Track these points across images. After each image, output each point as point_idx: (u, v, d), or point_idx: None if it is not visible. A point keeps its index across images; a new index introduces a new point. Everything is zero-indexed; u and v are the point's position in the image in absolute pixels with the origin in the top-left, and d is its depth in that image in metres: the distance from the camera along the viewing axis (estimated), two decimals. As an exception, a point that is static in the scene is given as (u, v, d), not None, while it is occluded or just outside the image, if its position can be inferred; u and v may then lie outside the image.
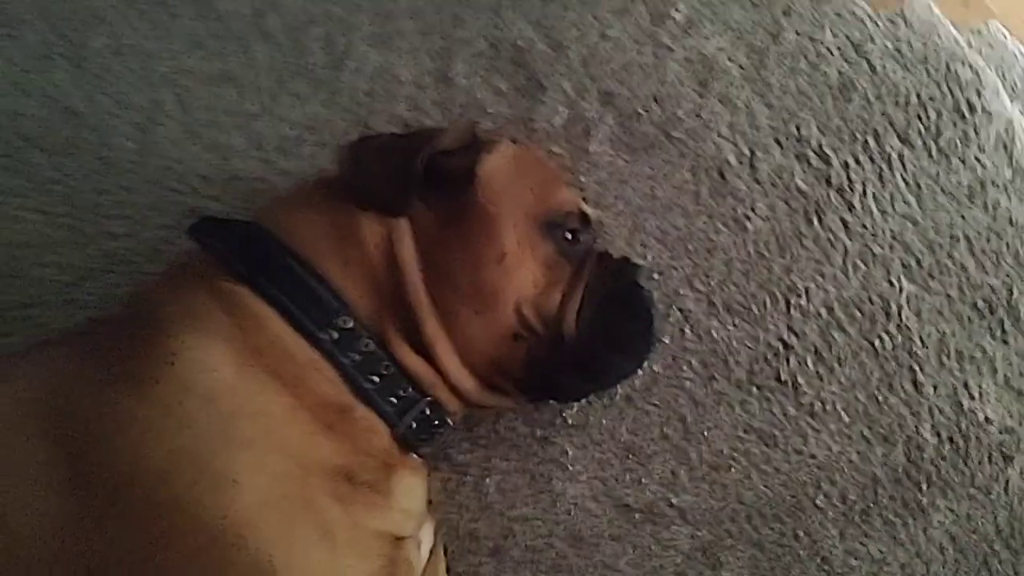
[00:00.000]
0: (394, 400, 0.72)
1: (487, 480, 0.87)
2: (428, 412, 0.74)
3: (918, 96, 0.96)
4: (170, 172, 0.97)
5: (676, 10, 1.02)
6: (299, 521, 0.62)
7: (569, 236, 0.77)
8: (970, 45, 1.00)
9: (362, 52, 1.02)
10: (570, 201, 0.79)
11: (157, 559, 0.59)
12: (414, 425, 0.73)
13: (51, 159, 0.98)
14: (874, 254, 0.91)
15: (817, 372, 0.88)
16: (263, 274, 0.70)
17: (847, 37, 1.00)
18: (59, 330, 0.85)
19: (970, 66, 0.97)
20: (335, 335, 0.70)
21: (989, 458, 0.88)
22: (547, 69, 1.00)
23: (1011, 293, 0.90)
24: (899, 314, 0.88)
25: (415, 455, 0.77)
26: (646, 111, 0.97)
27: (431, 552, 0.82)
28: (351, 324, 0.70)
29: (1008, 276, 0.90)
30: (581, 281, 0.77)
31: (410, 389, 0.73)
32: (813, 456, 0.88)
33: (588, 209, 0.82)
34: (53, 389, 0.64)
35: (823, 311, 0.89)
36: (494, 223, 0.74)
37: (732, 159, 0.95)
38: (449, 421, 0.76)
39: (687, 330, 0.90)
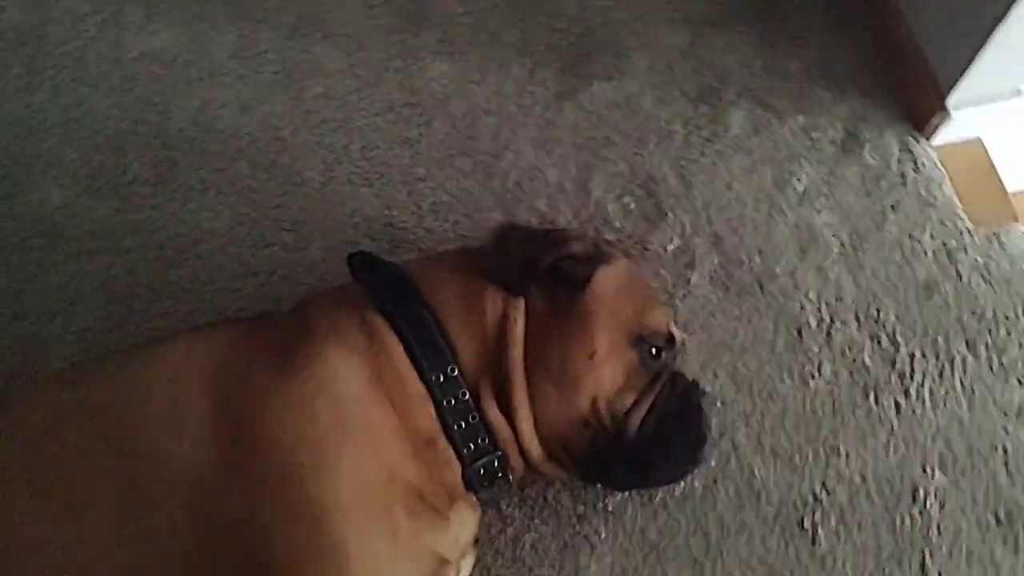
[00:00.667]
0: (472, 446, 0.88)
1: (525, 536, 1.01)
2: (496, 464, 0.89)
3: (994, 312, 1.07)
4: (341, 206, 1.18)
5: (798, 180, 1.17)
6: (376, 517, 0.78)
7: (653, 351, 0.91)
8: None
9: (521, 148, 1.21)
10: (662, 322, 0.93)
11: (264, 515, 0.76)
12: (482, 471, 0.88)
13: (254, 171, 1.21)
14: (916, 440, 1.01)
15: (837, 529, 0.98)
16: (401, 314, 0.87)
17: (943, 243, 1.12)
18: (216, 311, 1.05)
19: (1047, 298, 1.07)
20: (442, 378, 0.86)
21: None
22: (672, 201, 1.16)
23: (1037, 512, 0.98)
24: (924, 500, 0.98)
25: (474, 495, 0.93)
26: (748, 260, 1.12)
27: (464, 580, 0.96)
28: (456, 373, 0.86)
29: (1038, 496, 0.99)
30: (653, 392, 0.91)
31: (487, 440, 0.88)
32: (815, 602, 0.98)
33: (676, 331, 0.96)
34: (222, 360, 0.83)
35: (857, 477, 1.00)
36: (593, 325, 0.89)
37: (812, 322, 1.08)
38: (510, 476, 0.91)
39: (732, 460, 1.02)
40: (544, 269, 0.88)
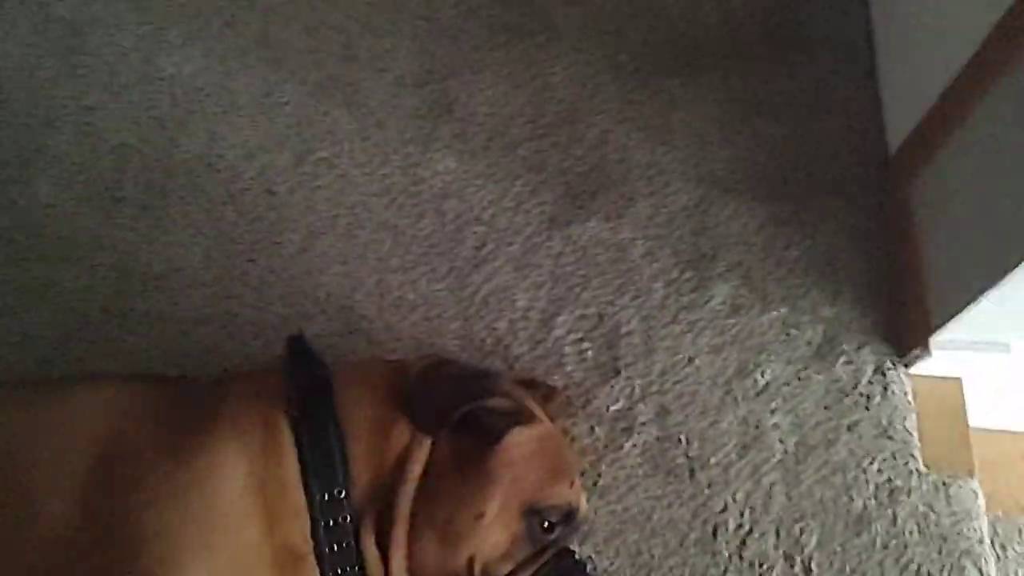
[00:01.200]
0: (339, 571, 0.87)
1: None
2: None
3: (919, 568, 1.03)
4: (309, 277, 1.19)
5: (761, 373, 1.15)
6: None
7: (545, 525, 0.90)
8: (992, 546, 1.07)
9: (500, 265, 1.21)
10: (563, 497, 0.91)
11: None
12: None
13: (238, 219, 1.23)
14: None
15: None
16: (306, 425, 0.87)
17: (889, 479, 1.08)
18: (160, 351, 1.07)
19: (980, 570, 1.03)
20: (327, 498, 0.86)
21: None
22: (629, 360, 1.14)
23: None
24: None
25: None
26: (687, 442, 1.10)
27: None
28: (342, 496, 0.86)
29: None
30: (535, 564, 0.89)
31: (357, 569, 0.88)
32: None
33: (583, 505, 0.94)
34: (117, 424, 0.84)
35: None
36: (490, 486, 0.88)
37: (731, 524, 1.05)
38: None
39: (613, 642, 1.00)
40: (456, 417, 0.88)
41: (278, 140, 1.30)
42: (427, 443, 0.88)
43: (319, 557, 0.86)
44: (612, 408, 1.11)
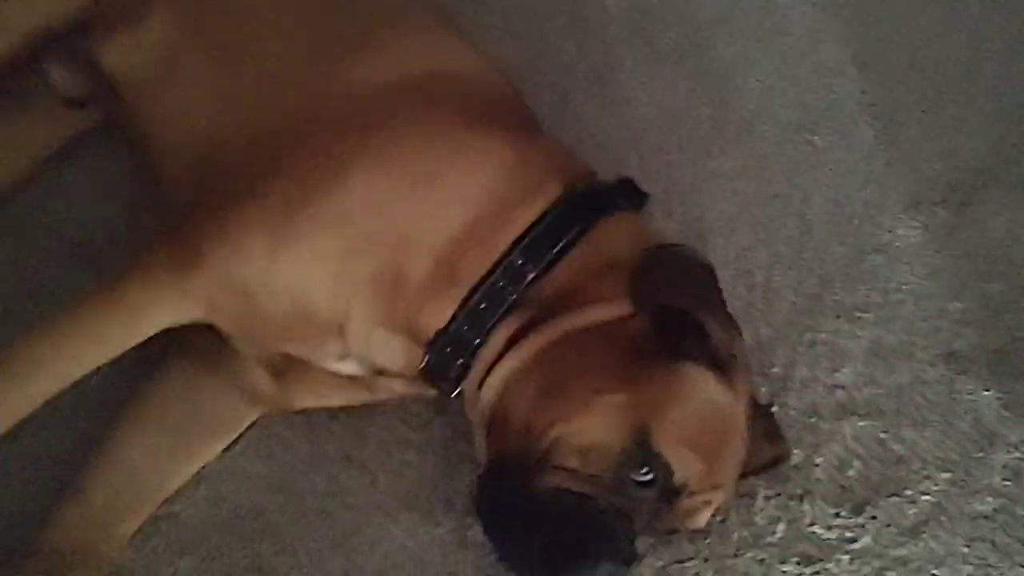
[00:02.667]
0: (465, 328, 0.85)
1: None
2: (455, 362, 0.86)
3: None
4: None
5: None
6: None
7: (641, 473, 0.80)
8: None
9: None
10: (683, 465, 0.80)
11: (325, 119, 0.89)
12: (447, 350, 0.86)
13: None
14: None
15: None
16: (570, 204, 0.88)
17: None
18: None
19: None
20: (515, 264, 0.85)
21: None
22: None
23: None
24: None
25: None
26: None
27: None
28: (529, 279, 0.85)
29: None
30: (595, 490, 0.80)
31: (475, 342, 0.85)
32: None
33: (695, 501, 0.83)
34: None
35: None
36: (631, 380, 0.81)
37: None
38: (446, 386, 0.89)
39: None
40: (675, 313, 0.80)
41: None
42: (625, 308, 0.83)
43: (467, 300, 0.84)
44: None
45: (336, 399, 0.98)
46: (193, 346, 0.96)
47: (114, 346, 0.86)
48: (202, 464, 0.95)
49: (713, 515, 0.88)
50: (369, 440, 1.00)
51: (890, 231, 1.21)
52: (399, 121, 0.89)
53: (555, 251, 0.86)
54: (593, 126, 1.29)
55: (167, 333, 0.87)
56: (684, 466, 0.81)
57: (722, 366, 0.83)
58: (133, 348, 0.87)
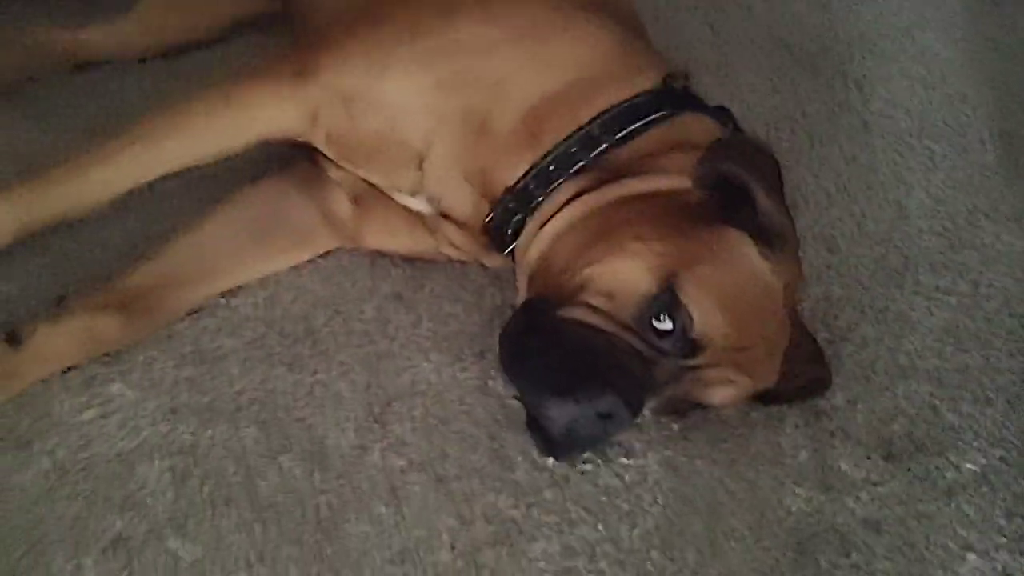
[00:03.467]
0: (531, 186, 0.92)
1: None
2: (515, 217, 0.93)
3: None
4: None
5: None
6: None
7: (664, 320, 0.82)
8: None
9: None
10: (704, 316, 0.81)
11: None
12: (509, 205, 0.93)
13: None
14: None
15: None
16: (664, 90, 0.95)
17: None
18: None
19: None
20: (593, 135, 0.91)
21: None
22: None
23: None
24: None
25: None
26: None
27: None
28: (600, 150, 0.91)
29: None
30: (619, 340, 0.82)
31: (536, 199, 0.92)
32: None
33: (709, 357, 0.82)
34: None
35: None
36: (675, 231, 0.84)
37: None
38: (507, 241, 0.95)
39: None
40: (731, 188, 0.84)
41: None
42: (686, 182, 0.87)
43: (543, 159, 0.91)
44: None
45: (402, 240, 1.05)
46: (290, 168, 1.07)
47: (222, 140, 0.97)
48: (269, 271, 1.04)
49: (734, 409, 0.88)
50: (424, 288, 1.06)
51: (994, 235, 1.18)
52: None
53: (633, 127, 0.91)
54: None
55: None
56: (706, 321, 0.81)
57: (767, 240, 0.84)
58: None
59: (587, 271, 0.85)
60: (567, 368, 0.83)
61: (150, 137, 0.96)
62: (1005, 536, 0.89)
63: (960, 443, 0.96)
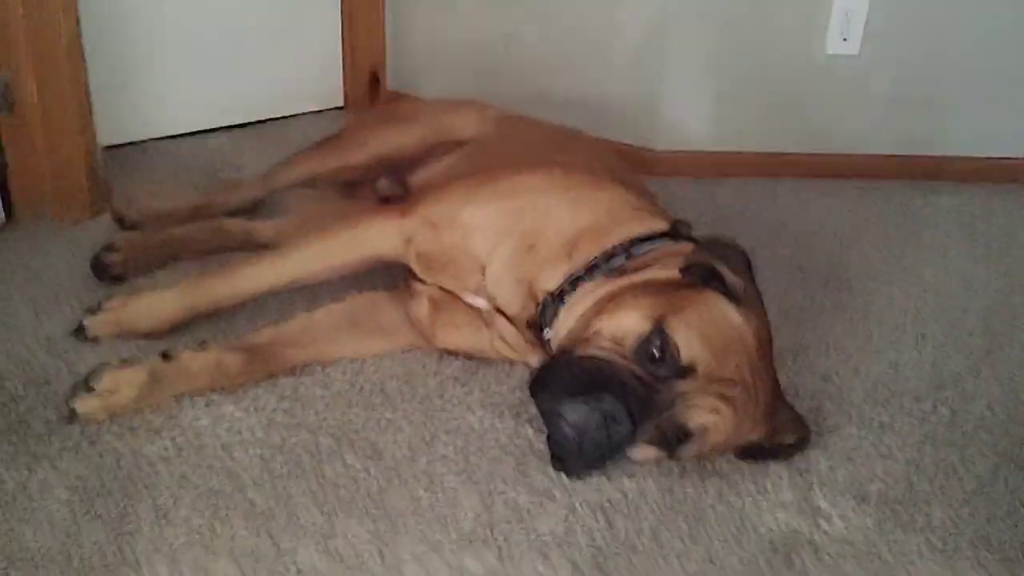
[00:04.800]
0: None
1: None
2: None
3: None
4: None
5: None
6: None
7: (656, 349, 1.07)
8: None
9: None
10: (689, 348, 1.06)
11: None
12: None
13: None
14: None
15: None
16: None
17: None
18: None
19: None
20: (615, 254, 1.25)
21: None
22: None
23: None
24: None
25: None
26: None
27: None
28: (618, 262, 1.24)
29: None
30: (622, 365, 1.07)
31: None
32: None
33: (690, 387, 1.06)
34: None
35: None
36: (669, 302, 1.11)
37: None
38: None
39: None
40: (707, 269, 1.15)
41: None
42: (676, 273, 1.18)
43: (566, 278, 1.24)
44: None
45: (464, 336, 1.35)
46: (387, 288, 1.43)
47: (345, 255, 1.36)
48: (359, 355, 1.35)
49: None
50: (477, 374, 1.34)
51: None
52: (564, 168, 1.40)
53: (644, 247, 1.25)
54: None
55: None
56: (690, 348, 1.07)
57: (736, 299, 1.12)
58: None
59: (597, 325, 1.13)
60: (579, 380, 1.08)
61: (295, 248, 1.36)
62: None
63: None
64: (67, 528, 0.99)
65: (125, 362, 1.21)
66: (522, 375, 1.33)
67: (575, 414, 1.05)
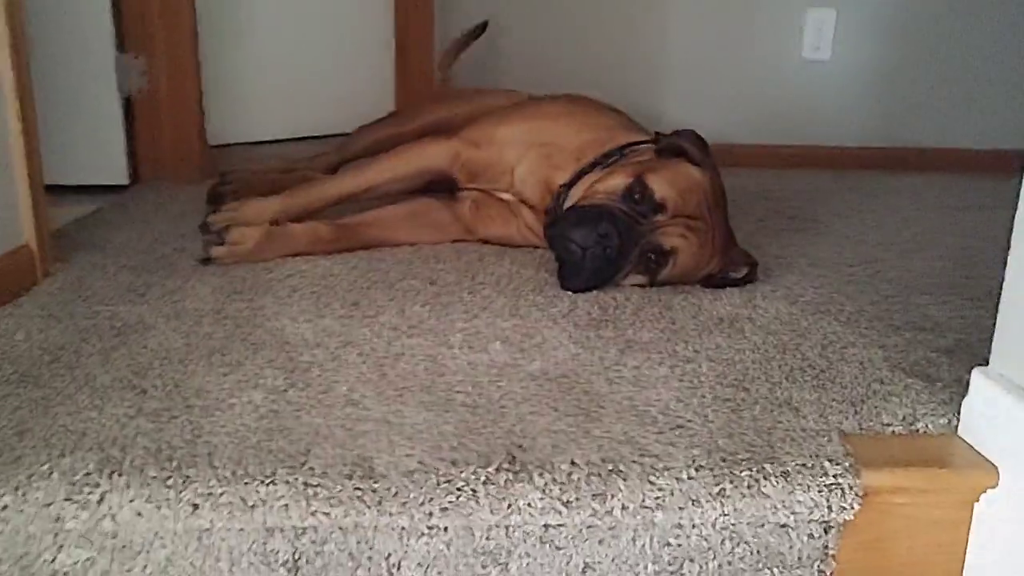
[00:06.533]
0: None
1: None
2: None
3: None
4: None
5: None
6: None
7: (637, 193, 1.50)
8: None
9: None
10: (661, 192, 1.50)
11: None
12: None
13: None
14: None
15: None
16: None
17: None
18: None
19: None
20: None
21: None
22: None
23: None
24: None
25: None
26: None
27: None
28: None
29: None
30: (615, 210, 1.50)
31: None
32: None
33: (665, 200, 1.50)
34: None
35: None
36: (654, 166, 1.57)
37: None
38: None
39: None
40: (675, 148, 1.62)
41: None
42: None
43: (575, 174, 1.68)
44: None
45: (498, 227, 1.81)
46: (439, 195, 1.89)
47: (409, 166, 1.83)
48: (417, 241, 1.81)
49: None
50: (505, 257, 1.77)
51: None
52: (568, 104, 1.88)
53: (633, 150, 1.71)
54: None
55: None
56: (662, 190, 1.52)
57: (697, 164, 1.57)
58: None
59: (595, 187, 1.58)
60: (581, 216, 1.53)
61: (370, 163, 1.85)
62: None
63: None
64: (214, 302, 1.44)
65: (248, 223, 1.67)
66: (541, 255, 1.77)
67: (579, 235, 1.49)
